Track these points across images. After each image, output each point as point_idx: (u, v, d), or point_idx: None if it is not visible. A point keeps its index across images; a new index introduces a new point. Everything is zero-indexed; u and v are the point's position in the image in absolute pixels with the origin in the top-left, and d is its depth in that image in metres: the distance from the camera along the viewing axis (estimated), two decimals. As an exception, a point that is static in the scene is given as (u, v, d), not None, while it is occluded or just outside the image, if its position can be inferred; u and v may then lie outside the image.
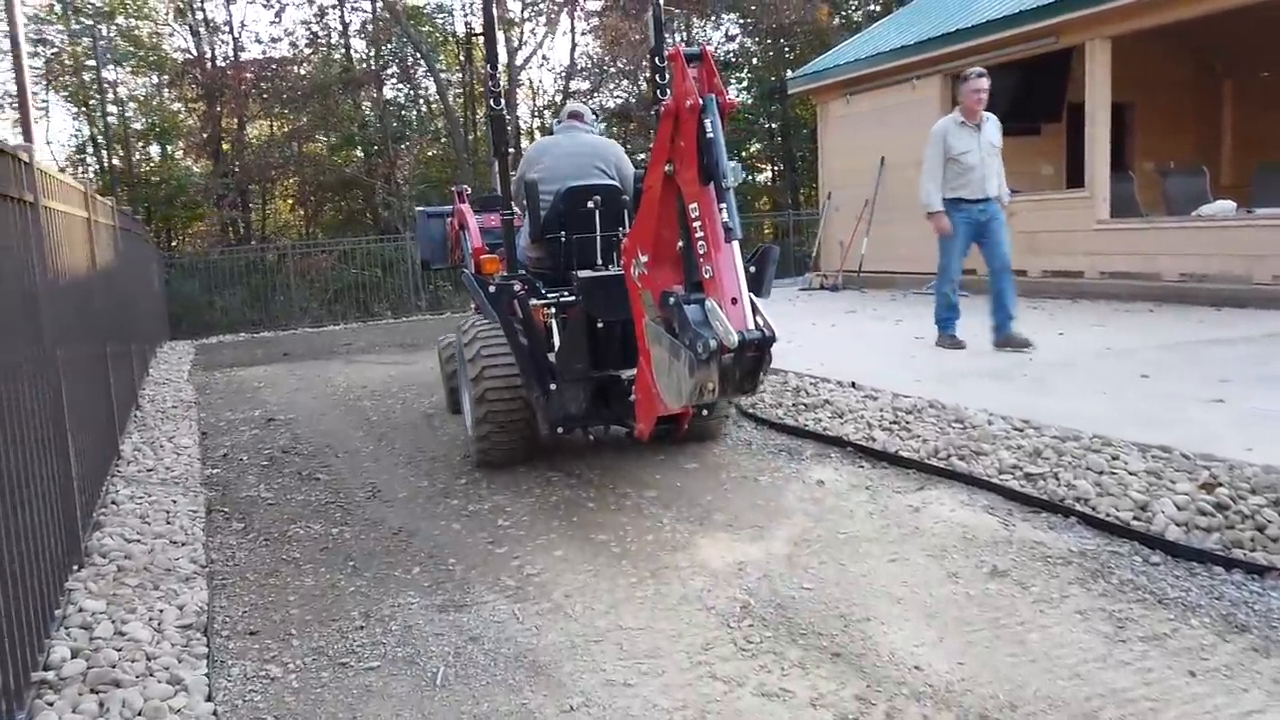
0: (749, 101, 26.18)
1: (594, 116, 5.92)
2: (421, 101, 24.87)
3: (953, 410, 5.09)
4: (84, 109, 23.78)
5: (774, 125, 26.49)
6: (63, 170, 24.13)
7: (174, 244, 23.64)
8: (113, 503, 4.50)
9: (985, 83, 7.08)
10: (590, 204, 4.88)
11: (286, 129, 23.51)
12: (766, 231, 23.51)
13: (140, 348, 9.77)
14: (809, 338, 8.48)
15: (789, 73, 18.77)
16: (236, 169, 22.62)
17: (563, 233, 4.95)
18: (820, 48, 20.98)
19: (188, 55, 23.41)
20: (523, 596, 3.34)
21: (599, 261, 4.96)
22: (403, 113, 24.20)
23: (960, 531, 3.72)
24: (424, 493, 4.81)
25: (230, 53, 23.03)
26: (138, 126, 25.80)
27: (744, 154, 26.95)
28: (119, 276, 7.58)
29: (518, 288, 4.80)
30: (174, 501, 4.59)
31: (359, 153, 24.35)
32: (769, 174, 28.40)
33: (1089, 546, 3.49)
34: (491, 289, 4.98)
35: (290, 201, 26.18)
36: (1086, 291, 10.46)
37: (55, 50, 23.45)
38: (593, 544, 3.84)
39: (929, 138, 7.32)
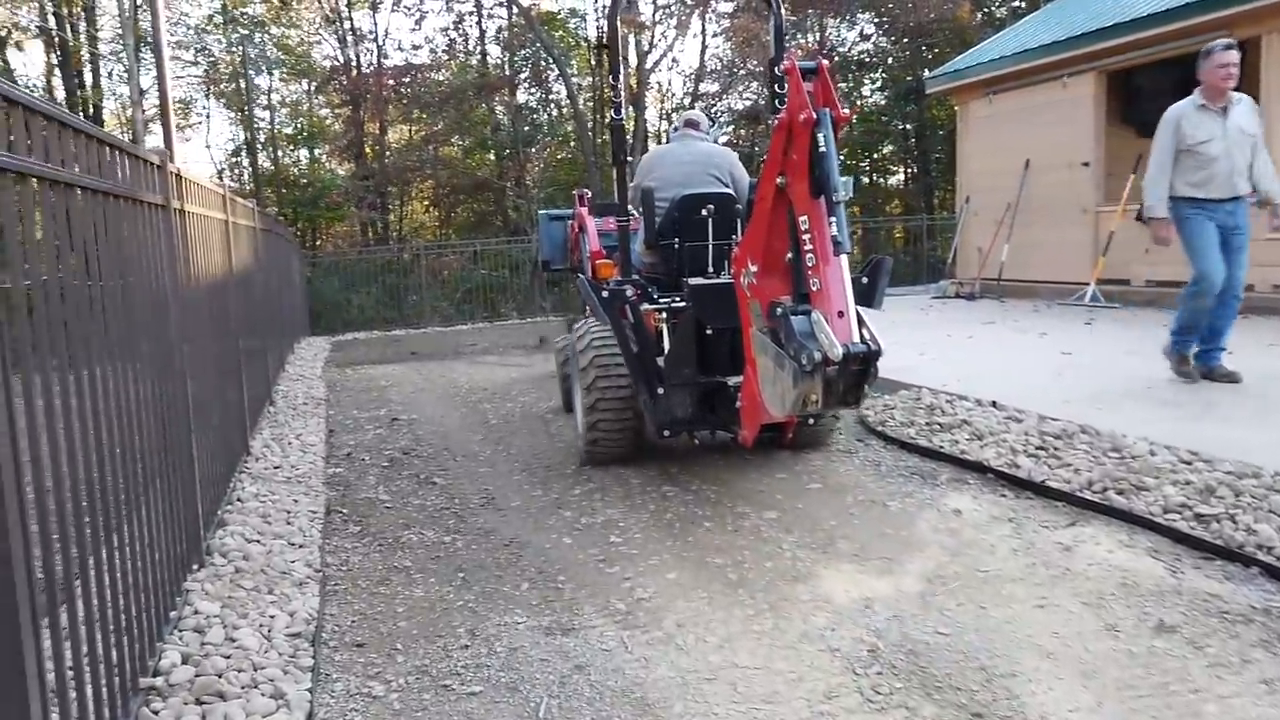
0: (882, 102, 25.40)
1: (710, 124, 5.92)
2: (552, 105, 25.20)
3: (1108, 437, 4.63)
4: (240, 115, 25.18)
5: (908, 127, 25.61)
6: (220, 173, 25.75)
7: (317, 244, 24.70)
8: (239, 499, 4.59)
9: (1234, 55, 5.71)
10: (704, 212, 4.96)
11: (423, 133, 24.25)
12: (897, 236, 22.74)
13: (280, 344, 10.17)
14: (944, 350, 8.02)
15: (926, 72, 18.04)
16: (376, 171, 23.44)
17: (676, 239, 5.05)
18: (960, 46, 20.11)
19: (334, 63, 24.49)
20: (633, 623, 3.17)
21: (710, 269, 5.03)
22: (534, 117, 24.57)
23: (1119, 577, 3.33)
24: (537, 502, 4.71)
25: (374, 60, 23.92)
26: (288, 131, 27.26)
27: (875, 156, 26.18)
28: (258, 276, 7.86)
29: (630, 293, 4.96)
30: (295, 501, 4.64)
31: (491, 156, 24.88)
32: (901, 177, 27.51)
33: (1275, 603, 3.05)
34: (605, 293, 5.10)
35: (425, 203, 27.02)
36: (1258, 307, 9.55)
37: (213, 59, 25.02)
38: (708, 568, 3.64)
39: (1160, 124, 5.93)
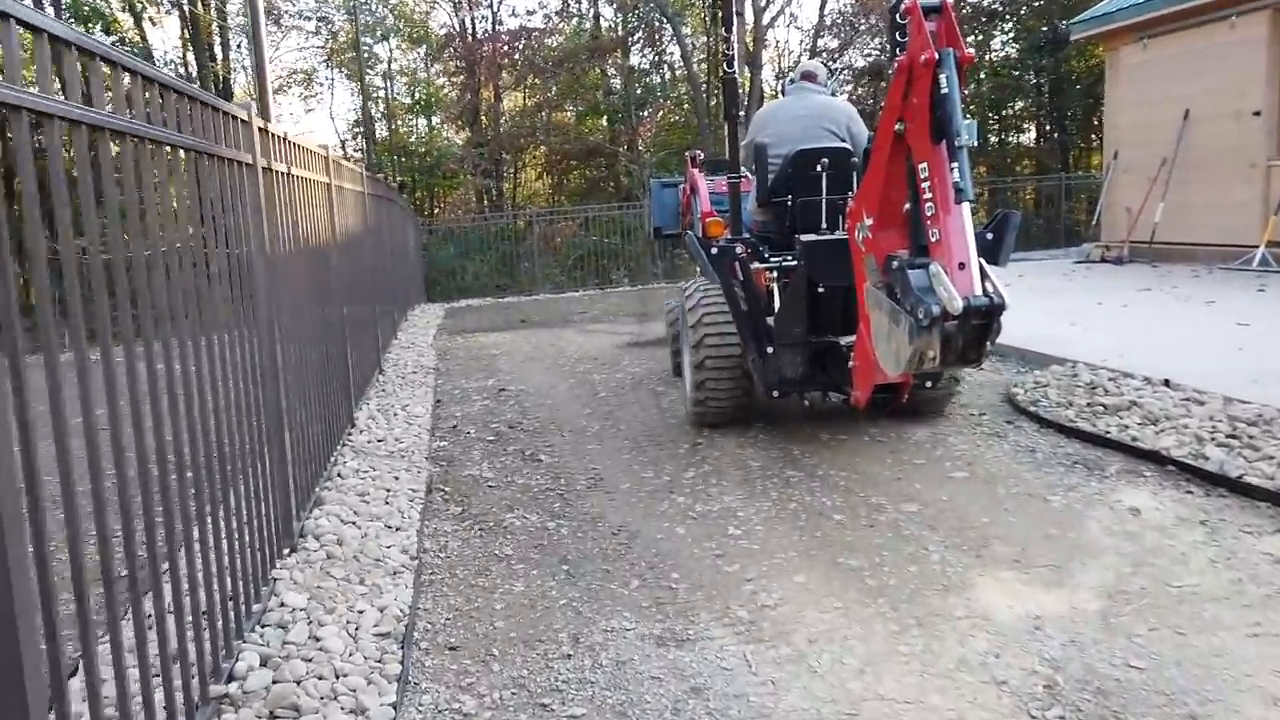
0: (1013, 55, 23.76)
1: (828, 75, 5.67)
2: (665, 68, 24.64)
3: (1316, 425, 3.94)
4: (359, 84, 25.59)
5: (1042, 81, 23.92)
6: (343, 144, 26.30)
7: (434, 212, 24.98)
8: (339, 475, 4.40)
9: None
10: (818, 167, 4.82)
11: (536, 99, 24.10)
12: (1028, 197, 21.36)
13: (392, 311, 10.13)
14: (1097, 319, 7.25)
15: (1062, 22, 16.69)
16: (490, 139, 23.46)
17: (789, 196, 4.93)
18: (1106, -12, 18.50)
19: (450, 30, 24.56)
20: (757, 635, 2.77)
21: (824, 226, 4.88)
22: (646, 80, 24.07)
23: (1354, 601, 2.73)
24: (648, 485, 4.35)
25: (489, 26, 23.87)
26: (405, 100, 27.61)
27: (1005, 113, 24.57)
28: (367, 242, 7.74)
29: (739, 250, 4.84)
30: (396, 478, 4.41)
31: (603, 121, 24.55)
32: (1033, 135, 25.81)
33: None
34: (713, 251, 4.97)
35: (538, 170, 26.96)
36: None
37: (334, 29, 25.45)
38: (841, 571, 3.20)
39: None
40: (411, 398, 6.47)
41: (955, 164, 3.02)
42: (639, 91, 23.31)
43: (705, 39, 24.64)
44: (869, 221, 3.54)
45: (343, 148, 27.45)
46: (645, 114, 23.25)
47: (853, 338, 4.12)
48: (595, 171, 25.70)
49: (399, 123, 27.14)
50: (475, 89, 23.15)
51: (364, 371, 6.46)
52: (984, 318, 2.98)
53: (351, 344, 5.76)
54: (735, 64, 5.22)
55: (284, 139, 4.01)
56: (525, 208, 25.39)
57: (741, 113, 5.62)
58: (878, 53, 22.96)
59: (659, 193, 7.85)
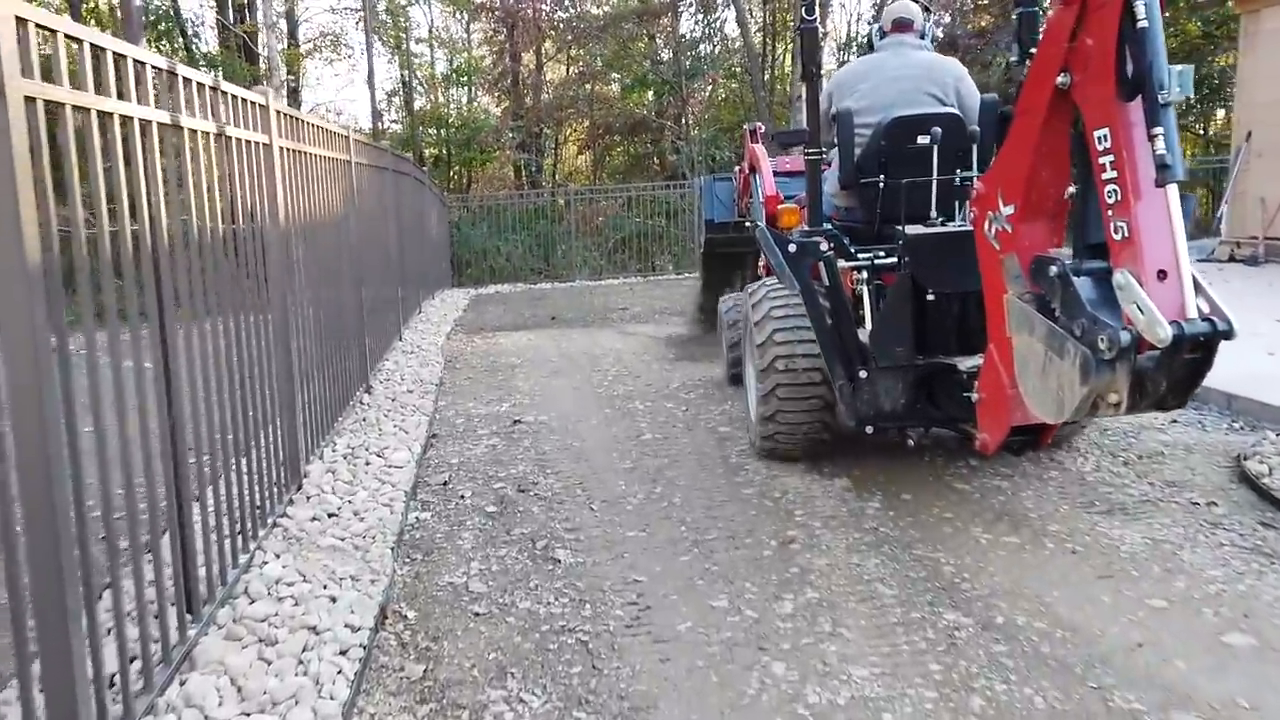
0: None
1: (928, 21, 4.70)
2: (718, 36, 22.81)
3: None
4: (396, 52, 24.15)
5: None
6: (380, 114, 24.91)
7: (469, 188, 23.54)
8: (245, 592, 2.87)
9: None
10: (923, 139, 3.94)
11: (579, 67, 22.45)
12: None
13: (404, 301, 8.67)
14: (1301, 348, 5.51)
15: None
16: (528, 110, 21.91)
17: (883, 176, 4.05)
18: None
19: (488, -8, 22.97)
20: None
21: (932, 214, 3.98)
22: (696, 50, 22.27)
23: None
24: (721, 629, 2.76)
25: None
26: (442, 69, 26.13)
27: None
28: (381, 222, 6.27)
29: (824, 247, 3.98)
30: (334, 599, 2.86)
31: (650, 95, 22.84)
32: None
33: None
34: (791, 247, 4.14)
35: (579, 145, 25.38)
36: None
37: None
38: None
39: None
40: (397, 432, 4.93)
41: (1158, 130, 2.23)
42: (689, 62, 21.53)
43: (763, 5, 22.83)
44: (1007, 210, 2.77)
45: (380, 119, 26.18)
46: (696, 84, 21.46)
47: (976, 361, 3.38)
48: (640, 148, 24.07)
49: (437, 94, 25.72)
50: (515, 55, 21.53)
51: (340, 392, 4.94)
52: (1199, 350, 2.25)
53: (324, 358, 4.24)
54: (815, 10, 4.07)
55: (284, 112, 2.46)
56: (565, 185, 23.89)
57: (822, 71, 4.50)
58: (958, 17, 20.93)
59: (711, 187, 7.25)
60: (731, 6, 20.98)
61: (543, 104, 22.15)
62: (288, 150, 4.03)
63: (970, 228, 3.05)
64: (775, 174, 5.61)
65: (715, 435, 4.88)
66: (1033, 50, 2.71)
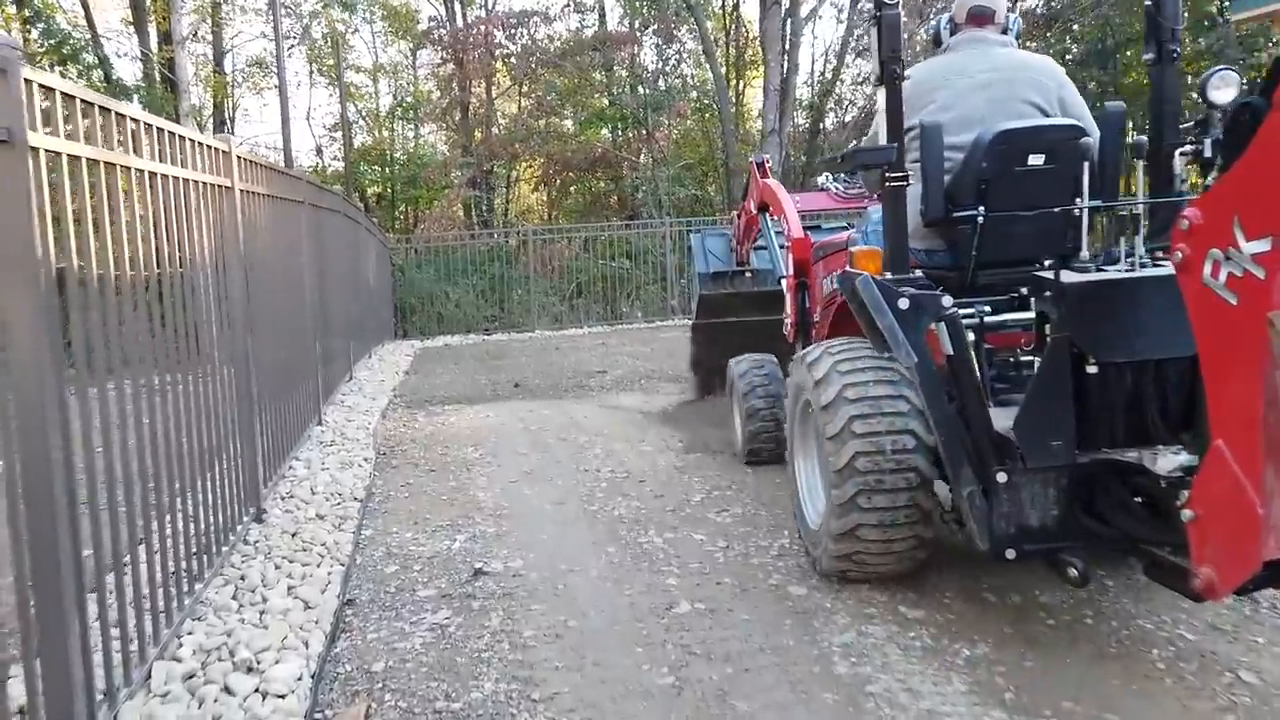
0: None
1: (1012, 13, 3.69)
2: (682, 66, 21.45)
3: None
4: (335, 83, 22.41)
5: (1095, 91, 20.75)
6: (319, 150, 23.07)
7: (417, 228, 21.80)
8: None
9: None
10: (1035, 159, 3.13)
11: (535, 99, 20.92)
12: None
13: (337, 356, 6.91)
14: None
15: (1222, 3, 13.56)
16: (479, 143, 20.29)
17: (982, 208, 3.18)
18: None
19: (437, 17, 21.44)
20: None
21: (1083, 253, 3.14)
22: (660, 80, 20.87)
23: None
24: None
25: (483, 11, 20.73)
26: (386, 101, 24.46)
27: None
28: (289, 266, 4.58)
29: (947, 302, 2.88)
30: None
31: (605, 132, 21.37)
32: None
33: None
34: (903, 302, 2.90)
35: (533, 182, 23.80)
36: None
37: (306, 23, 22.33)
38: None
39: None
40: (289, 609, 3.12)
41: None
42: (651, 94, 20.09)
43: (726, 37, 21.61)
44: (1256, 247, 1.83)
45: (319, 154, 24.36)
46: (660, 119, 20.02)
47: (1182, 459, 2.42)
48: (599, 185, 22.57)
49: (380, 129, 24.00)
50: (464, 84, 19.92)
51: (202, 536, 3.14)
52: None
53: (162, 488, 2.45)
54: None
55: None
56: (519, 225, 22.26)
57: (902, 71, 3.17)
58: None
59: (703, 242, 6.58)
60: (699, 33, 19.69)
61: (494, 138, 20.54)
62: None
63: (1160, 271, 2.65)
64: (806, 214, 5.11)
65: (788, 604, 3.17)
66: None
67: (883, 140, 3.18)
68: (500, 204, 23.02)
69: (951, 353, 2.86)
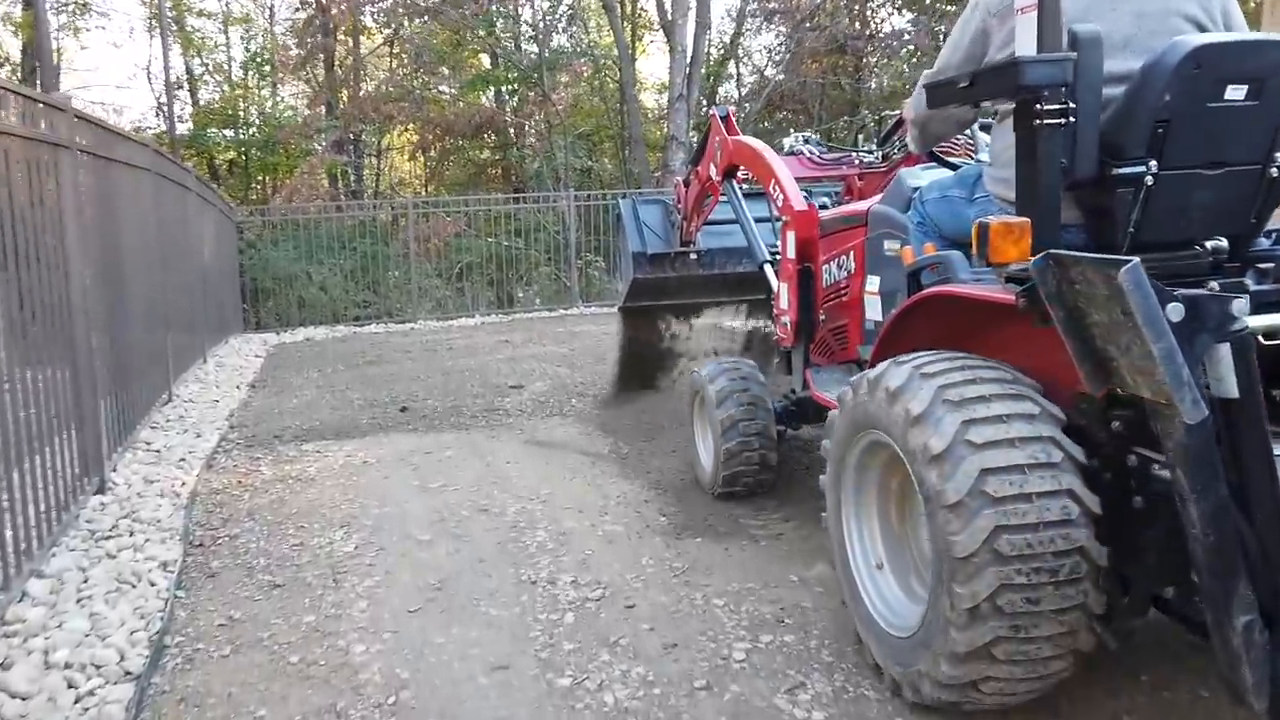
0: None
1: None
2: (574, 26, 19.37)
3: None
4: (177, 32, 19.31)
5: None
6: (160, 108, 19.86)
7: (271, 198, 19.10)
8: None
9: None
10: (1235, 92, 2.19)
11: (410, 54, 18.47)
12: None
13: (145, 370, 4.82)
14: None
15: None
16: (346, 103, 17.78)
17: (1152, 162, 2.18)
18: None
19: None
20: None
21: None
22: (554, 37, 18.74)
23: None
24: None
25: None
26: (237, 56, 21.41)
27: None
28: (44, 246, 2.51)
29: (1241, 310, 1.70)
30: None
31: (489, 95, 19.18)
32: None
33: None
34: (1175, 310, 1.66)
35: (409, 150, 21.33)
36: None
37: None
38: None
39: None
40: None
41: None
42: (545, 53, 17.95)
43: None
44: None
45: (160, 113, 21.07)
46: (560, 78, 17.94)
47: None
48: (484, 153, 20.38)
49: (227, 83, 20.95)
50: (327, 29, 17.29)
51: None
52: None
53: None
54: None
55: None
56: (393, 196, 19.82)
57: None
58: None
59: (635, 211, 5.45)
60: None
61: (363, 98, 18.04)
62: None
63: None
64: (805, 181, 4.06)
65: None
66: None
67: (1002, 55, 2.26)
68: (371, 174, 20.54)
69: (1236, 394, 1.73)
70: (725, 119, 4.12)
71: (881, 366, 2.26)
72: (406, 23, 17.97)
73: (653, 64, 23.08)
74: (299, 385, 7.10)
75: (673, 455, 4.61)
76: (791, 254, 3.42)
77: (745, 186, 4.30)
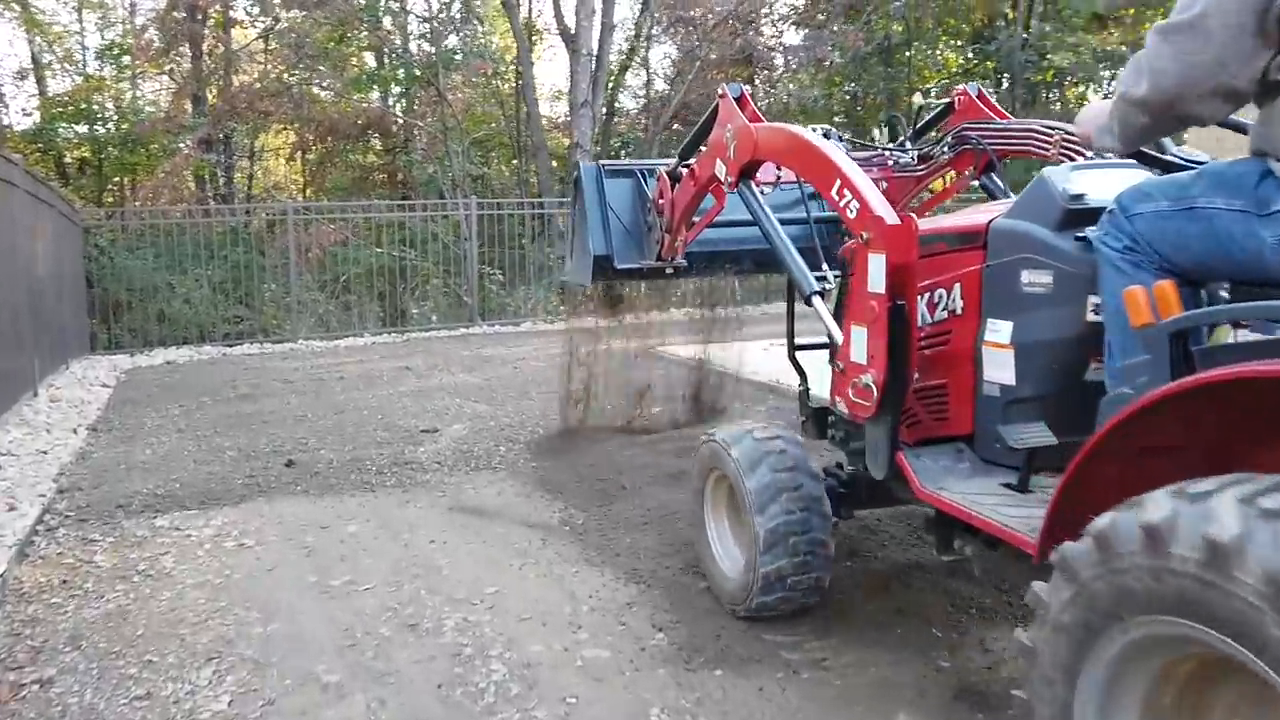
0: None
1: None
2: (472, 24, 18.19)
3: None
4: (21, 16, 17.17)
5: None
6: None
7: (130, 199, 17.22)
8: None
9: None
10: None
11: (288, 47, 16.95)
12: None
13: None
14: None
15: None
16: (215, 95, 16.17)
17: None
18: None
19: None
20: None
21: None
22: (450, 35, 17.53)
23: None
24: None
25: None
26: (93, 43, 19.28)
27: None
28: None
29: None
30: None
31: (375, 94, 17.84)
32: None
33: None
34: None
35: (286, 152, 19.71)
36: None
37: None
38: None
39: None
40: None
41: None
42: (442, 50, 16.73)
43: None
44: None
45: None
46: (456, 78, 16.74)
47: None
48: (370, 157, 18.99)
49: (77, 74, 18.83)
50: (194, 15, 15.63)
51: None
52: None
53: None
54: None
55: None
56: (269, 199, 18.18)
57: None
58: None
59: (598, 181, 3.91)
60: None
61: (235, 93, 16.44)
62: None
63: None
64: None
65: None
66: None
67: None
68: (243, 177, 18.83)
69: None
70: (739, 99, 3.09)
71: (1161, 502, 1.34)
72: (284, 14, 16.44)
73: (547, 71, 22.14)
74: (154, 428, 5.80)
75: (645, 529, 3.68)
76: (879, 287, 2.37)
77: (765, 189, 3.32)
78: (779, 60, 18.53)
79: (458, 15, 17.36)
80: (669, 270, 3.86)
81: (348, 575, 3.31)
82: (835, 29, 17.09)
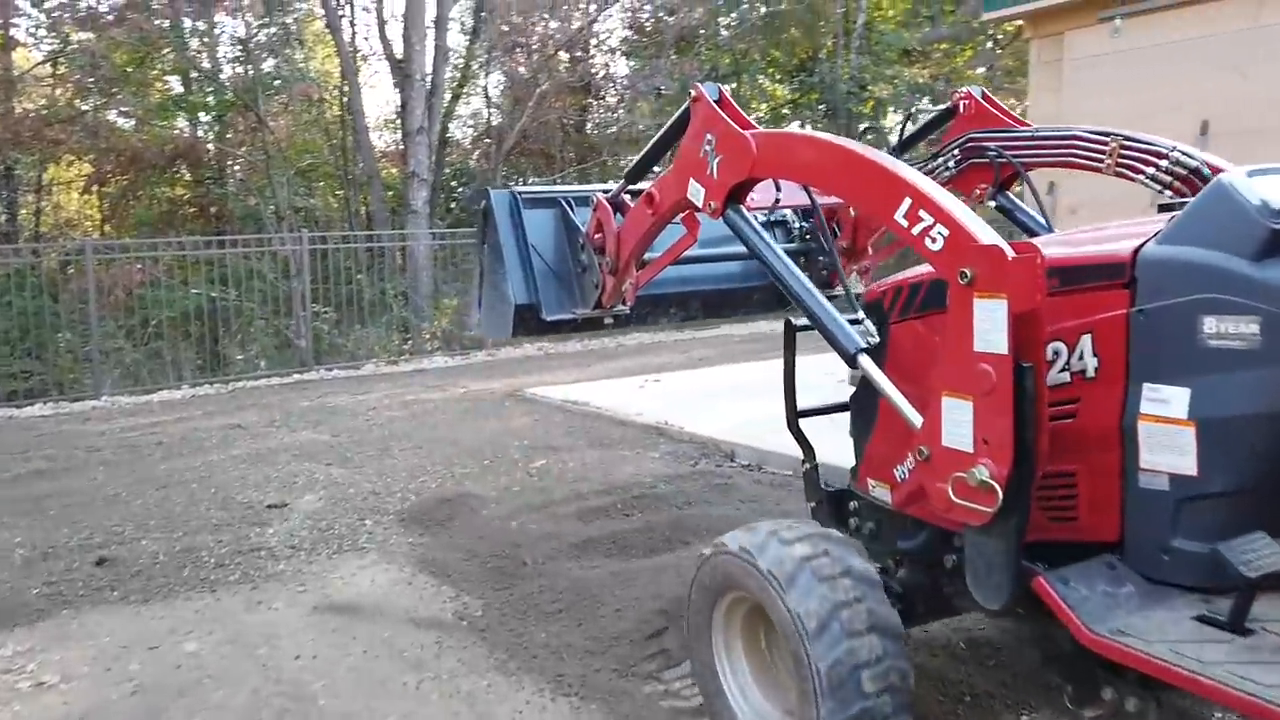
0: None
1: None
2: (294, 43, 16.97)
3: None
4: None
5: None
6: None
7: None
8: None
9: None
10: None
11: (82, 70, 15.24)
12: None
13: None
14: None
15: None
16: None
17: None
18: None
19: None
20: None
21: None
22: (269, 59, 16.26)
23: None
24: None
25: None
26: None
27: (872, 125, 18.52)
28: None
29: None
30: None
31: (182, 122, 16.38)
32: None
33: None
34: None
35: (80, 183, 17.77)
36: None
37: None
38: None
39: None
40: None
41: None
42: (262, 72, 15.46)
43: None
44: None
45: None
46: (279, 102, 15.54)
47: None
48: (178, 190, 17.37)
49: None
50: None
51: None
52: None
53: None
54: None
55: None
56: (61, 236, 16.28)
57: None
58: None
59: (518, 216, 3.27)
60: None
61: (17, 119, 14.63)
62: None
63: None
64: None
65: None
66: None
67: None
68: (29, 213, 16.84)
69: None
70: (720, 101, 2.42)
71: None
72: (75, 35, 14.79)
73: (370, 98, 21.08)
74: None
75: (561, 617, 3.10)
76: (997, 345, 1.73)
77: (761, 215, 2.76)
78: (615, 88, 18.41)
79: (274, 37, 16.15)
80: (608, 321, 3.26)
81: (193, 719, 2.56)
82: (670, 59, 17.12)
